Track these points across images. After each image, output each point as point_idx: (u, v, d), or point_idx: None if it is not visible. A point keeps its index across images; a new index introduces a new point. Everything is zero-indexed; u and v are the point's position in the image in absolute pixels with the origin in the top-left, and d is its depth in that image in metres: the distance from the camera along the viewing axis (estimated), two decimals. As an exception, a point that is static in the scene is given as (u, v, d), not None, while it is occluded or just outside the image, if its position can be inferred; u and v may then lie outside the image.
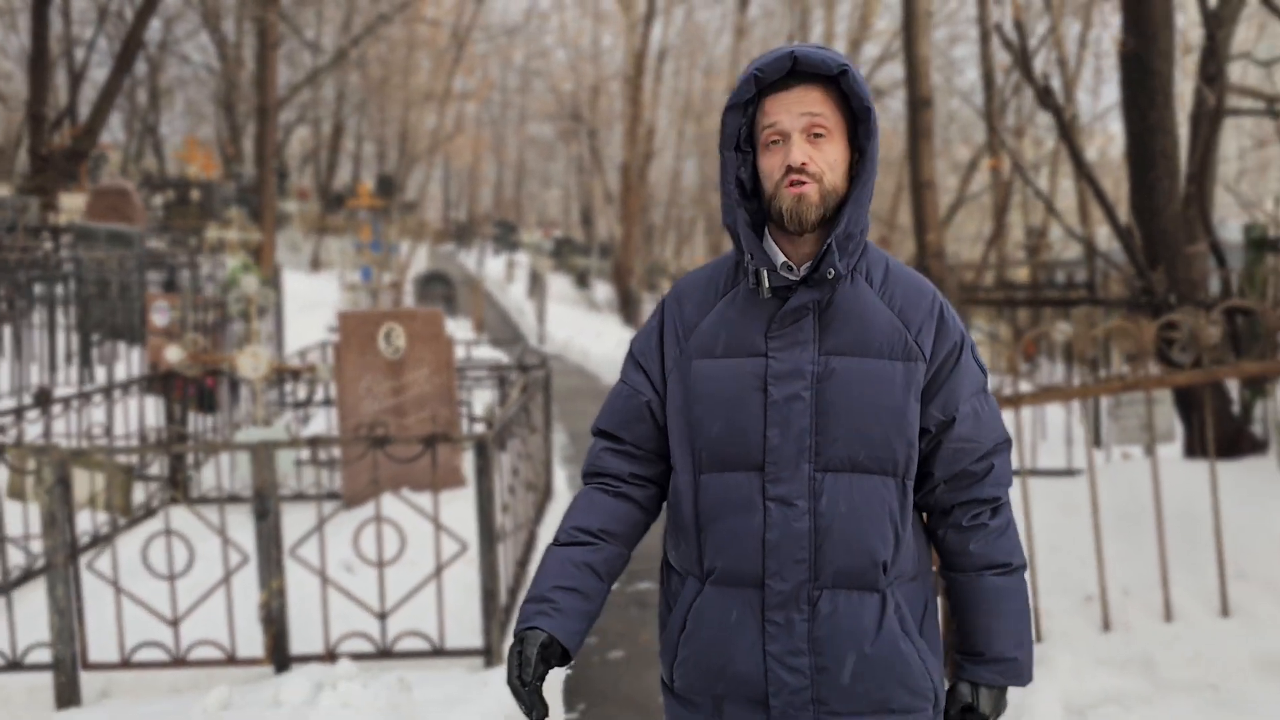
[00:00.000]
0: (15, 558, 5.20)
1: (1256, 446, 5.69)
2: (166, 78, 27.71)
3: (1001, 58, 12.74)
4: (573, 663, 1.43)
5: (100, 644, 4.33)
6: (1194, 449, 5.72)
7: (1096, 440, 6.88)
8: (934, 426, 1.65)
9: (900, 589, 1.65)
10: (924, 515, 1.73)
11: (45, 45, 16.38)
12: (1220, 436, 5.67)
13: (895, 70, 25.90)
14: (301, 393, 8.60)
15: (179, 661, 4.26)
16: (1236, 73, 12.51)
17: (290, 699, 3.66)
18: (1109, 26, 17.70)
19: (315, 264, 19.37)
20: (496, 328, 18.00)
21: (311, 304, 15.18)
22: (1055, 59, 13.10)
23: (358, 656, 4.17)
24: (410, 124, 33.59)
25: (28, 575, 5.21)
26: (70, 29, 21.82)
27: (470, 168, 39.99)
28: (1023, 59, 5.38)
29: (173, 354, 6.58)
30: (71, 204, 17.14)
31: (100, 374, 10.02)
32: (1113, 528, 4.49)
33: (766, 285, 1.61)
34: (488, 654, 4.30)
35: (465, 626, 4.53)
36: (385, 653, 4.24)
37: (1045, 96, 5.26)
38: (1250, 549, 4.06)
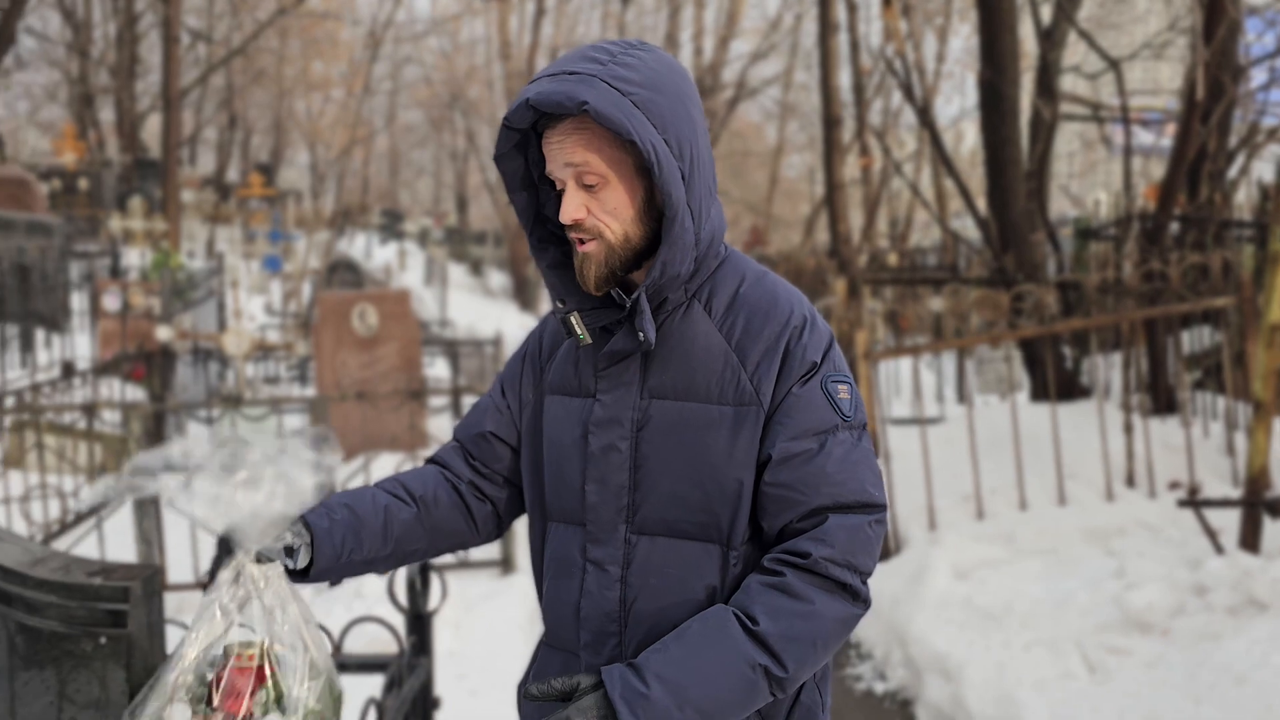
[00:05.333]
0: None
1: (1084, 392, 7.24)
2: (6, 58, 26.77)
3: (864, 61, 14.30)
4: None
5: (177, 567, 5.19)
6: (1038, 394, 7.22)
7: (960, 394, 8.39)
8: (759, 469, 1.35)
9: None
10: None
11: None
12: (1057, 385, 7.22)
13: (765, 69, 27.57)
14: (250, 371, 9.34)
15: (246, 580, 5.15)
16: (1069, 83, 14.40)
17: (368, 592, 4.64)
18: (959, 35, 19.54)
19: (211, 253, 19.60)
20: (398, 314, 18.64)
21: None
22: (915, 69, 14.75)
23: (403, 568, 5.17)
24: (285, 112, 33.44)
25: (75, 521, 5.96)
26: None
27: (338, 155, 39.82)
28: (906, 86, 6.72)
29: (163, 333, 7.30)
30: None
31: (42, 359, 10.45)
32: (980, 451, 5.87)
33: (580, 334, 1.39)
34: (505, 564, 5.37)
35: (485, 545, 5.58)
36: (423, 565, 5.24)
37: (924, 116, 6.62)
38: (1078, 459, 5.50)
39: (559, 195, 1.40)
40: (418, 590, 2.43)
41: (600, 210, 1.34)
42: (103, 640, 1.69)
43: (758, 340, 1.36)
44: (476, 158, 32.15)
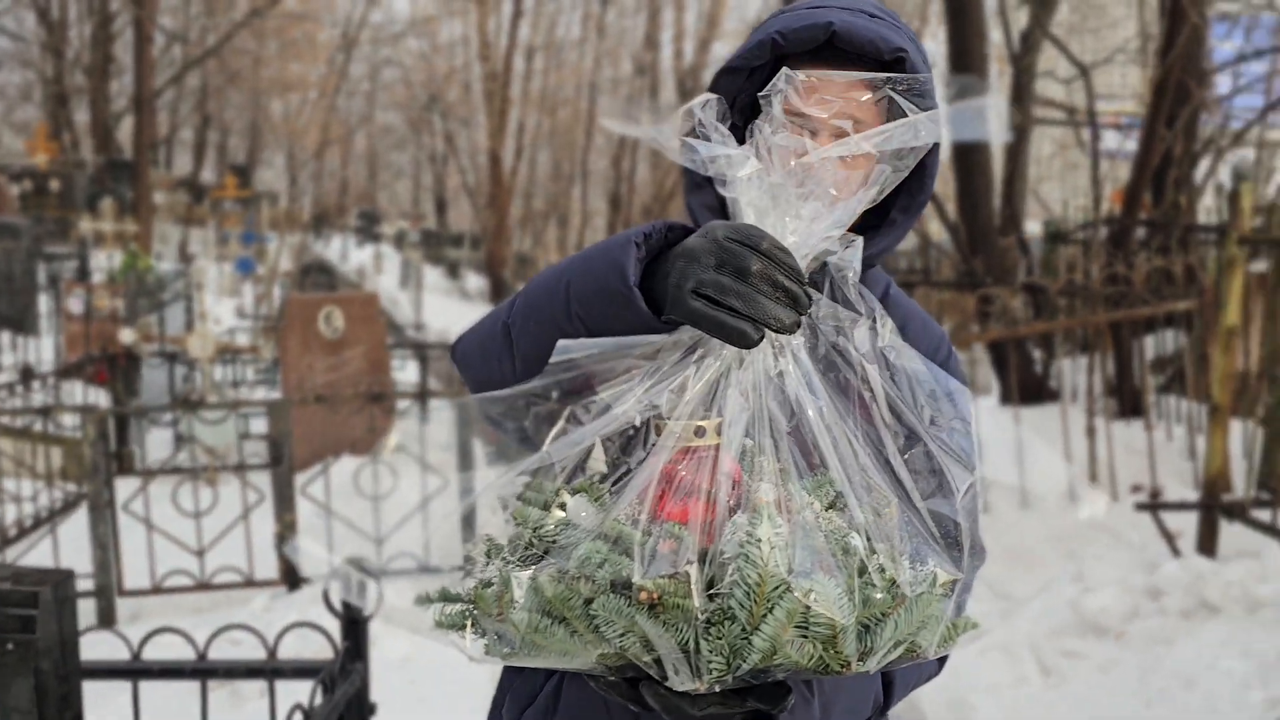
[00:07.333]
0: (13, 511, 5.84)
1: (1053, 396, 7.26)
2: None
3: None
4: None
5: (134, 573, 5.11)
6: (1007, 398, 7.24)
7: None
8: None
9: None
10: None
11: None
12: (1025, 388, 7.24)
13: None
14: (218, 374, 9.24)
15: (203, 586, 5.09)
16: (1049, 88, 14.44)
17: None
18: (936, 39, 19.64)
19: (183, 255, 19.46)
20: (373, 316, 18.52)
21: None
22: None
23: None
24: (261, 114, 33.29)
25: (33, 527, 5.87)
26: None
27: (314, 157, 39.65)
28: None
29: (127, 336, 7.21)
30: (-82, 194, 16.76)
31: (8, 361, 10.32)
32: (945, 454, 5.89)
33: None
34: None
35: (446, 550, 5.52)
36: (382, 571, 5.19)
37: (890, 119, 6.62)
38: (1042, 462, 5.51)
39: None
40: (354, 594, 2.39)
41: (845, 188, 1.13)
42: (10, 646, 1.64)
43: (918, 343, 1.23)
44: (455, 160, 32.01)
